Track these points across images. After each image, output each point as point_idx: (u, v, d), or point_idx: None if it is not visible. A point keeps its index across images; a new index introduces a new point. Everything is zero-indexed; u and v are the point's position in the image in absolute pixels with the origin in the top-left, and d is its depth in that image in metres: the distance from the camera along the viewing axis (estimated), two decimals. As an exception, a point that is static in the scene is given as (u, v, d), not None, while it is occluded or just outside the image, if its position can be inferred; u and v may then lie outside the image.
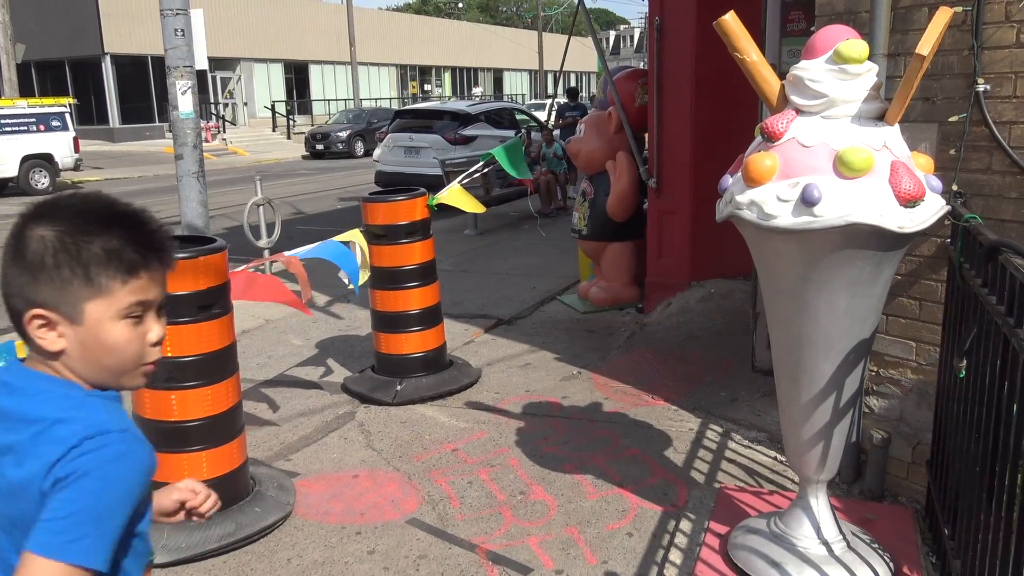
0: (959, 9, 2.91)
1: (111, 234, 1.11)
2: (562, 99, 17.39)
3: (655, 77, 5.82)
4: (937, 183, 2.49)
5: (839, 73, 2.47)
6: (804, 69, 2.53)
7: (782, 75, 2.66)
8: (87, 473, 1.05)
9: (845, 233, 2.38)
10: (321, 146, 25.58)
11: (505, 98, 47.52)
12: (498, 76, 52.38)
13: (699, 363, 5.09)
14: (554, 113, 15.82)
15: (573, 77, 59.84)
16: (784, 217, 2.44)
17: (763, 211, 2.48)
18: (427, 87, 46.54)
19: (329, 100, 37.27)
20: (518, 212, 12.05)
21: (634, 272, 6.58)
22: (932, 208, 2.45)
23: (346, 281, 4.35)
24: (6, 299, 1.13)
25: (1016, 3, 2.79)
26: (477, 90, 46.37)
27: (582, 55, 60.01)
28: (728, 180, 2.71)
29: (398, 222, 4.65)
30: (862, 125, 2.47)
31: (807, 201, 2.38)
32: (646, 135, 6.22)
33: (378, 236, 4.69)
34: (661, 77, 5.82)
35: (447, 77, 48.03)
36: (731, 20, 2.58)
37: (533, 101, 37.54)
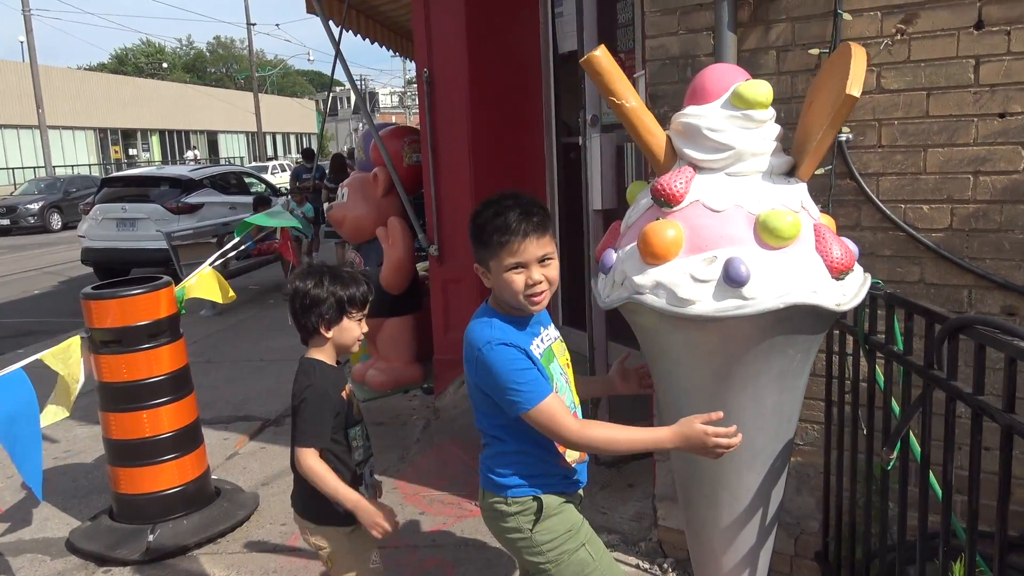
0: (815, 51, 2.62)
1: (502, 215, 1.95)
2: (285, 161, 16.36)
3: (428, 133, 5.24)
4: (855, 247, 2.10)
5: (743, 120, 2.00)
6: (699, 116, 2.04)
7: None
8: None
9: (779, 317, 1.89)
10: (7, 221, 22.12)
11: (222, 161, 44.95)
12: (212, 138, 49.54)
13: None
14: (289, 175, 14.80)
15: (294, 138, 58.38)
16: (705, 302, 1.90)
17: (675, 295, 1.93)
18: (132, 151, 42.73)
19: (14, 168, 32.77)
20: (259, 285, 10.90)
21: (416, 349, 5.88)
22: (858, 278, 2.04)
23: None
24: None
25: (876, 45, 2.53)
26: (191, 153, 43.28)
27: (301, 115, 58.77)
28: (612, 256, 2.14)
29: (137, 322, 3.58)
30: (775, 183, 2.02)
31: (734, 280, 1.87)
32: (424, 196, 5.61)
33: (108, 343, 3.58)
34: (435, 133, 5.25)
35: (155, 140, 44.50)
36: (602, 57, 2.04)
37: (254, 164, 35.76)
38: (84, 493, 4.36)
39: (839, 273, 1.97)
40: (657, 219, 2.02)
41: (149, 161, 41.39)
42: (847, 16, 2.56)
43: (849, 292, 1.99)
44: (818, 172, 2.66)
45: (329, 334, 2.32)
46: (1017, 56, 2.38)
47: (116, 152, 41.23)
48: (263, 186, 14.52)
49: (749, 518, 2.19)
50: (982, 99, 2.44)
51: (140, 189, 12.81)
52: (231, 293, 4.42)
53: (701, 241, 1.96)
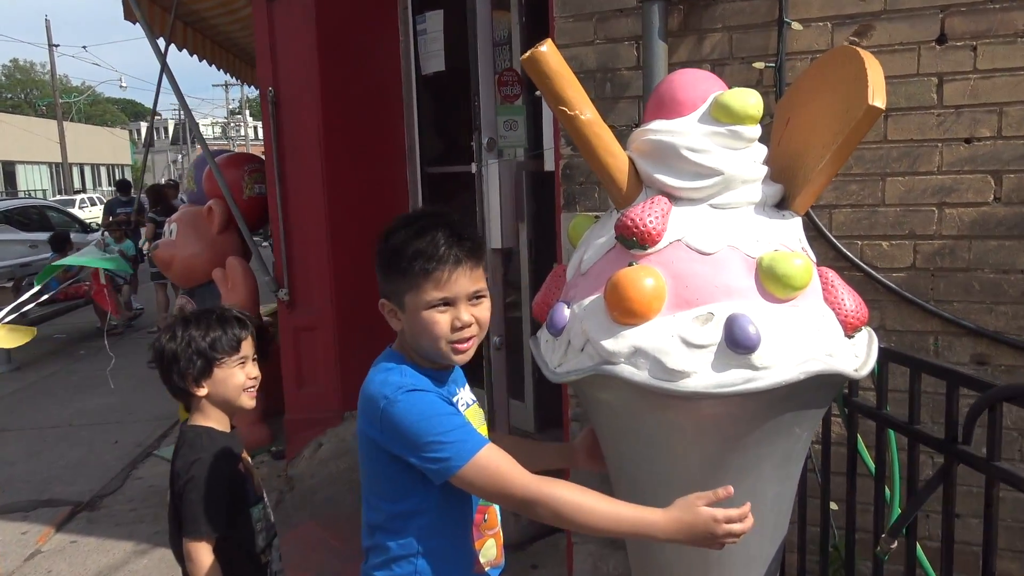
0: (759, 65, 2.27)
1: (423, 239, 1.48)
2: (95, 194, 14.80)
3: (274, 160, 4.58)
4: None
5: (729, 138, 1.58)
6: (674, 133, 1.59)
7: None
8: None
9: (792, 390, 1.46)
10: None
11: (20, 194, 40.90)
12: (9, 169, 45.04)
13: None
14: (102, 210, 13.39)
15: (104, 170, 54.37)
16: (703, 374, 1.44)
17: (662, 366, 1.46)
18: (-91, 183, 38.04)
19: None
20: (66, 334, 9.57)
21: (262, 407, 5.12)
22: (863, 333, 1.65)
23: None
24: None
25: (831, 57, 2.21)
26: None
27: (112, 146, 54.89)
28: (563, 312, 1.65)
29: None
30: (770, 217, 1.61)
31: (741, 345, 1.42)
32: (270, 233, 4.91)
33: None
34: (282, 160, 4.60)
35: (-63, 171, 39.87)
36: (550, 54, 1.56)
37: (59, 197, 32.76)
38: None
39: (853, 329, 1.57)
40: (629, 264, 1.55)
41: (-68, 194, 36.99)
42: (796, 25, 2.22)
43: (861, 351, 1.60)
44: (766, 204, 2.30)
45: (203, 391, 1.92)
46: (985, 74, 2.12)
47: None
48: (71, 221, 13.01)
49: (741, 639, 1.73)
50: (947, 122, 2.17)
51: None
52: (29, 333, 3.59)
53: (689, 293, 1.50)
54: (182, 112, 4.99)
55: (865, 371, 1.55)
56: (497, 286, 2.81)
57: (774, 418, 1.53)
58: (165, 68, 4.42)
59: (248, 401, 1.97)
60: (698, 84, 1.64)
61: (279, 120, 4.58)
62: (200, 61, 6.04)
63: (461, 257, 1.48)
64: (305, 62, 4.50)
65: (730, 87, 1.62)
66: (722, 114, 1.58)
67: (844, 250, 2.29)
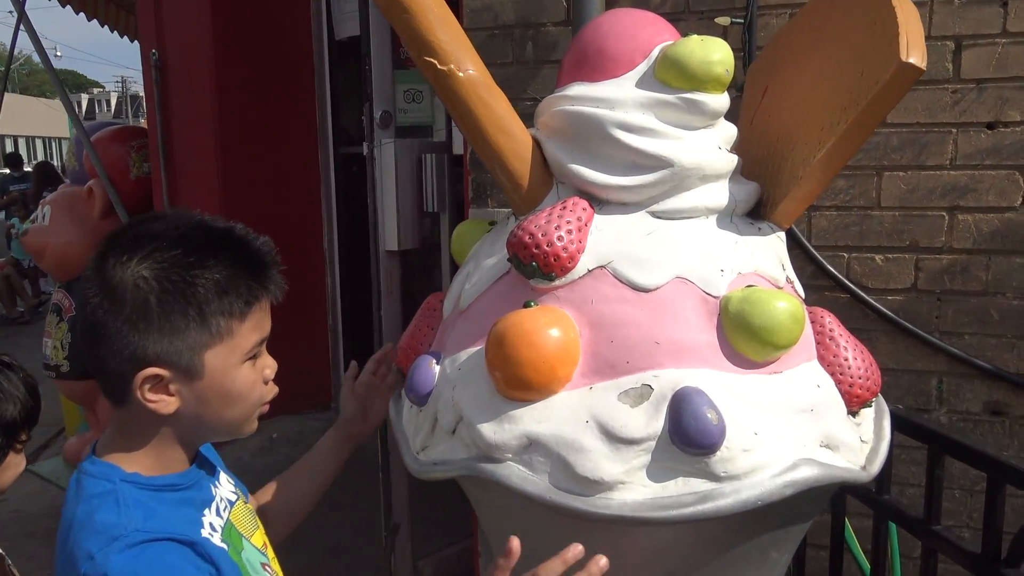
0: (724, 20, 1.73)
1: (219, 263, 0.89)
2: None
3: (158, 136, 3.93)
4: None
5: (683, 111, 1.04)
6: (600, 100, 1.05)
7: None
8: None
9: (772, 507, 0.93)
10: None
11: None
12: (-68, 141, 42.93)
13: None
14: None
15: (40, 142, 52.36)
16: (635, 487, 0.92)
17: (570, 470, 0.93)
18: None
19: None
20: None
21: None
22: (871, 411, 1.13)
23: None
24: (100, 363, 0.90)
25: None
26: None
27: (48, 117, 52.98)
28: (430, 370, 1.09)
29: None
30: (740, 232, 1.07)
31: (695, 441, 0.89)
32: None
33: None
34: (167, 135, 3.95)
35: None
36: (410, -23, 0.99)
37: (-12, 170, 31.26)
38: None
39: (861, 403, 1.05)
40: (526, 305, 1.00)
41: None
42: (774, -31, 1.69)
43: (868, 432, 1.08)
44: (728, 204, 1.77)
45: None
46: (1017, 38, 1.61)
47: None
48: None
49: None
50: (964, 101, 1.66)
51: None
52: None
53: (616, 353, 0.96)
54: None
55: (876, 467, 1.03)
56: (394, 302, 2.25)
57: (743, 544, 1.00)
58: (22, 15, 3.74)
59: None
60: (638, 31, 1.09)
61: (165, 89, 3.94)
62: (90, 20, 5.29)
63: (279, 282, 0.97)
64: (196, 21, 3.85)
65: (686, 36, 1.08)
66: (672, 74, 1.04)
67: (826, 264, 1.78)
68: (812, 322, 1.07)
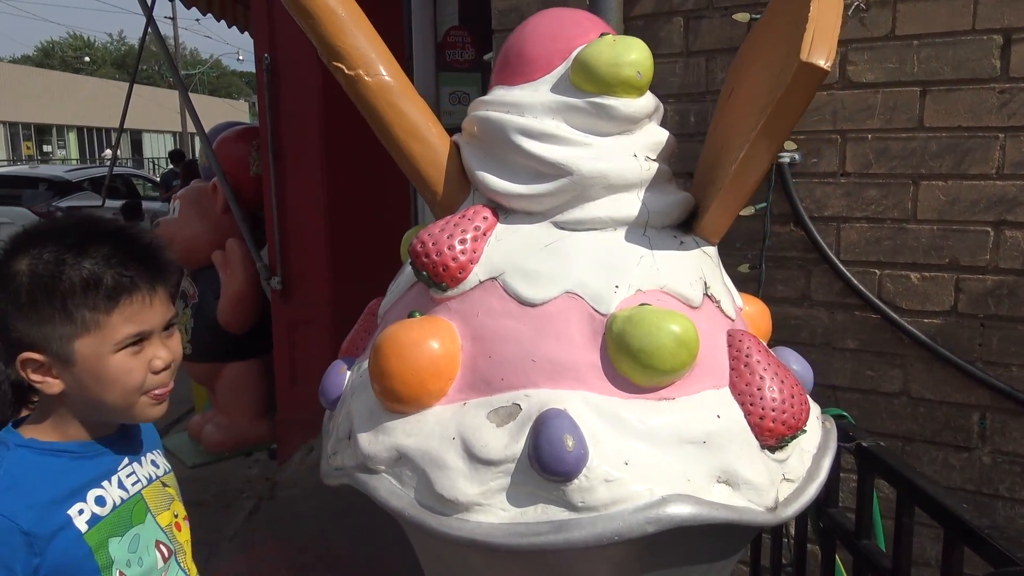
0: (743, 17, 1.62)
1: (88, 259, 0.95)
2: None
3: (268, 135, 4.15)
4: (810, 371, 1.09)
5: (593, 116, 0.98)
6: (510, 106, 1.01)
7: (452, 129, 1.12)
8: None
9: (650, 543, 0.87)
10: None
11: (146, 162, 42.84)
12: (136, 137, 47.31)
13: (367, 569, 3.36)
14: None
15: (224, 140, 56.39)
16: (492, 509, 0.87)
17: (430, 487, 0.90)
18: (47, 148, 40.36)
19: (-94, 162, 30.42)
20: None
21: (264, 401, 4.77)
22: (813, 435, 1.02)
23: None
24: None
25: (848, 8, 1.55)
26: (109, 152, 41.08)
27: (230, 116, 56.92)
28: (338, 376, 1.10)
29: None
30: (653, 246, 1.00)
31: (550, 467, 0.84)
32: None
33: None
34: (277, 134, 4.16)
35: (72, 137, 42.20)
36: (318, -20, 0.99)
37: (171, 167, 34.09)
38: None
39: (778, 439, 0.95)
40: (410, 315, 0.98)
41: (64, 159, 39.15)
42: (797, -40, 1.56)
43: (795, 470, 0.98)
44: (744, 213, 1.66)
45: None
46: (1076, 31, 1.41)
47: (28, 148, 38.87)
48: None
49: None
50: (1014, 102, 1.47)
51: (13, 190, 11.45)
52: None
53: (492, 369, 0.93)
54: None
55: (791, 511, 0.93)
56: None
57: (644, 574, 0.93)
58: (150, 20, 4.04)
59: None
60: (560, 32, 1.04)
61: (275, 90, 4.14)
62: (219, 21, 5.65)
63: (156, 275, 1.01)
64: (305, 26, 4.03)
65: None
66: (582, 78, 0.98)
67: (855, 282, 1.63)
68: (730, 346, 0.98)
